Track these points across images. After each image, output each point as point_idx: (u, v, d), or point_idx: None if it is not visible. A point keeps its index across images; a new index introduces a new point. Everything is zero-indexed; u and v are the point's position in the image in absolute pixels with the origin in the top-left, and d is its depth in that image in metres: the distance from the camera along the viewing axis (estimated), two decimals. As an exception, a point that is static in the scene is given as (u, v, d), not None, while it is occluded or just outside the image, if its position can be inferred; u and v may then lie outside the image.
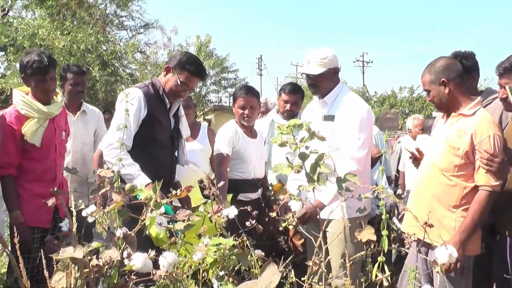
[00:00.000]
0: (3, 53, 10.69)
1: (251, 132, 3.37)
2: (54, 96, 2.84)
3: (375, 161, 3.54)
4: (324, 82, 2.85)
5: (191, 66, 2.76)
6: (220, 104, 24.75)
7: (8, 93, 9.38)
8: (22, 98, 2.72)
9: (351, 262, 2.05)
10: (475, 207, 2.23)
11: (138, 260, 1.65)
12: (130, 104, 2.61)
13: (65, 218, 2.81)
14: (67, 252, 1.04)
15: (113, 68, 11.16)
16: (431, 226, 1.65)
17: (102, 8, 13.17)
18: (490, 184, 2.19)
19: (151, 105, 2.69)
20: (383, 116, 20.87)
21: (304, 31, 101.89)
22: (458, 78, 2.35)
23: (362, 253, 2.11)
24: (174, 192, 1.65)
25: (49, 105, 2.79)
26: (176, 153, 2.95)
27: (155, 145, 2.74)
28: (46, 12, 10.37)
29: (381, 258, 1.82)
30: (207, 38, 21.72)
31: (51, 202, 1.99)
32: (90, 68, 10.39)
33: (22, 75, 2.74)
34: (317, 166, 2.01)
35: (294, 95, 3.69)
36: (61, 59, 9.44)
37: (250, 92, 3.31)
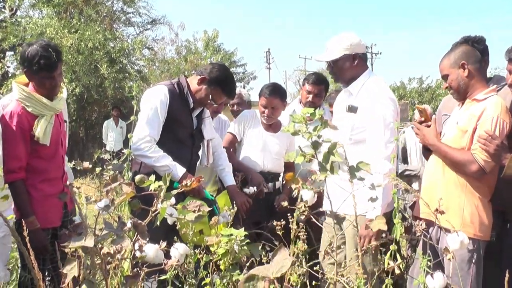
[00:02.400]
0: (12, 52, 10.76)
1: (270, 126, 3.36)
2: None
3: None
4: (343, 68, 2.70)
5: (227, 87, 2.85)
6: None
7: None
8: (25, 93, 2.53)
9: (363, 252, 2.04)
10: (457, 154, 2.28)
11: (150, 251, 1.66)
12: (158, 99, 2.69)
13: (73, 212, 2.85)
14: (78, 241, 1.04)
15: (121, 65, 11.18)
16: (442, 212, 1.63)
17: (109, 5, 13.22)
18: (483, 158, 2.20)
19: (174, 103, 2.74)
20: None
21: (312, 23, 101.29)
22: (477, 64, 2.37)
23: (375, 243, 2.11)
24: (184, 182, 1.64)
25: (55, 100, 2.62)
26: (198, 153, 2.99)
27: (175, 143, 2.77)
28: (53, 10, 10.41)
29: (393, 247, 1.81)
30: (214, 33, 21.70)
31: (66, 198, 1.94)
32: (99, 66, 10.42)
33: (26, 70, 2.52)
34: (330, 155, 1.99)
35: (318, 86, 3.57)
36: (69, 57, 9.49)
37: (274, 93, 3.24)
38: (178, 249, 1.80)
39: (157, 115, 2.69)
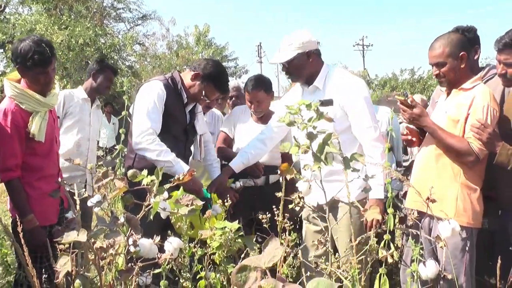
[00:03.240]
0: (2, 50, 10.66)
1: (261, 118, 3.33)
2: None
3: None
4: (299, 68, 2.70)
5: (220, 83, 2.84)
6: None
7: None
8: (17, 90, 2.49)
9: (357, 242, 2.05)
10: (454, 141, 2.28)
11: (144, 246, 1.66)
12: (155, 93, 2.67)
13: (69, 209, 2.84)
14: (71, 236, 1.04)
15: (112, 61, 11.11)
16: (433, 201, 1.64)
17: (99, 1, 13.11)
18: (477, 146, 2.23)
19: (169, 98, 2.73)
20: (384, 99, 20.66)
21: (303, 16, 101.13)
22: (469, 53, 2.40)
23: (370, 233, 2.11)
24: (176, 176, 1.65)
25: (48, 96, 2.59)
26: (191, 148, 3.00)
27: (169, 138, 2.74)
28: (42, 7, 10.32)
29: (387, 236, 1.82)
30: (205, 28, 21.60)
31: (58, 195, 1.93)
32: (90, 62, 10.34)
33: (18, 66, 2.48)
34: (324, 146, 1.99)
35: None
36: (60, 53, 9.43)
37: (256, 87, 3.20)
38: (172, 243, 1.80)
39: (157, 108, 2.67)
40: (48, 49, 2.49)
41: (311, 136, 1.97)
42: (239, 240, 2.07)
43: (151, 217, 1.62)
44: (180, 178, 1.61)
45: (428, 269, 1.75)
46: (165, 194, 1.77)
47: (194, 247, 2.11)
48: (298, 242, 3.10)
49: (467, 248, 2.26)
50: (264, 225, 2.30)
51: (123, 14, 15.15)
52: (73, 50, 9.74)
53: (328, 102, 2.69)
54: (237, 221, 2.15)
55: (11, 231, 2.48)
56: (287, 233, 2.16)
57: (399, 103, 2.42)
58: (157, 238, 1.77)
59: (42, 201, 2.56)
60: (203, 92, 2.82)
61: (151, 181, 1.58)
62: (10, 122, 2.46)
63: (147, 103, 2.66)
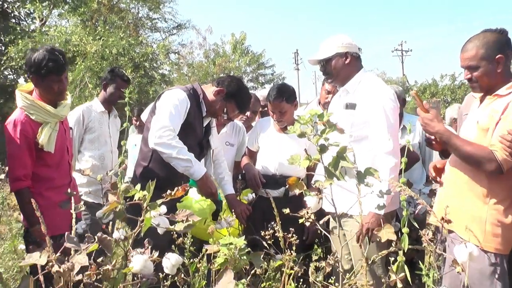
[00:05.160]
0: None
1: (284, 128, 3.22)
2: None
3: (413, 162, 3.27)
4: (336, 67, 2.67)
5: (242, 102, 2.81)
6: (259, 101, 24.87)
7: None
8: (28, 101, 2.51)
9: (371, 262, 1.91)
10: (472, 148, 2.02)
11: (137, 262, 1.58)
12: (179, 100, 2.60)
13: (82, 219, 2.82)
14: (32, 258, 0.97)
15: (144, 71, 11.30)
16: (448, 221, 1.47)
17: (134, 12, 13.40)
18: (502, 156, 1.95)
19: (191, 109, 2.68)
20: (423, 106, 20.11)
21: (340, 23, 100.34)
22: (507, 56, 2.09)
23: (384, 252, 1.96)
24: (168, 192, 1.56)
25: (59, 107, 2.61)
26: (202, 161, 2.92)
27: None
28: (78, 19, 10.63)
29: (400, 258, 1.66)
30: (242, 36, 21.83)
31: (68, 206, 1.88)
32: (122, 71, 10.56)
33: (32, 75, 2.50)
34: (339, 160, 1.86)
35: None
36: (94, 63, 9.67)
37: (278, 97, 3.10)
38: (170, 260, 1.71)
39: (179, 114, 2.60)
40: (61, 57, 2.52)
41: (323, 149, 1.84)
42: (245, 257, 1.96)
43: (141, 234, 1.54)
44: (173, 194, 1.51)
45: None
46: (163, 209, 1.69)
47: (199, 262, 2.03)
48: (308, 259, 2.98)
49: (496, 276, 1.99)
50: (269, 241, 2.20)
51: (158, 24, 15.43)
52: (106, 59, 9.95)
53: (351, 106, 2.64)
54: (243, 237, 2.03)
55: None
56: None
57: (413, 94, 2.24)
58: (156, 254, 1.70)
59: (51, 211, 2.50)
60: (224, 109, 2.78)
61: (144, 195, 1.49)
62: (20, 133, 2.48)
63: (170, 107, 2.57)
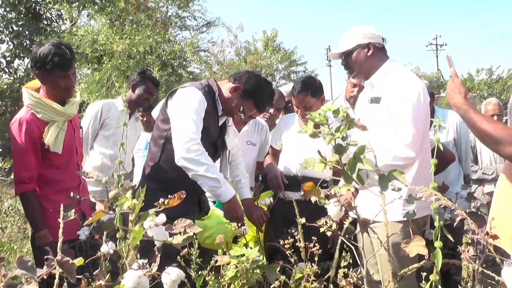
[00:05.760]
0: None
1: None
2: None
3: (448, 163, 2.98)
4: (357, 60, 2.45)
5: (260, 101, 2.59)
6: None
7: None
8: (34, 99, 2.39)
9: (400, 277, 1.68)
10: (492, 126, 1.73)
11: (130, 279, 1.41)
12: (197, 101, 2.39)
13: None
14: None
15: (172, 69, 11.24)
16: (494, 237, 1.23)
17: (163, 10, 13.37)
18: None
19: (207, 108, 2.47)
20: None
21: (373, 17, 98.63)
22: None
23: (416, 265, 1.72)
24: (161, 200, 1.38)
25: (67, 105, 2.48)
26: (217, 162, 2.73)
27: None
28: (106, 18, 10.66)
29: (433, 277, 1.43)
30: (273, 33, 21.70)
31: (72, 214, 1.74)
32: (151, 69, 10.51)
33: (38, 71, 2.38)
34: (357, 162, 1.64)
35: None
36: (120, 61, 9.67)
37: (302, 91, 2.92)
38: (170, 275, 1.54)
39: (200, 118, 2.39)
40: (68, 52, 2.37)
41: (339, 150, 1.62)
42: (257, 270, 1.77)
43: (131, 248, 1.37)
44: (166, 203, 1.33)
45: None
46: (162, 218, 1.51)
47: (208, 274, 1.84)
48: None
49: None
50: (288, 251, 2.00)
51: (187, 22, 15.36)
52: (133, 58, 9.92)
53: (376, 100, 2.42)
54: (257, 248, 1.84)
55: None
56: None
57: (446, 56, 2.00)
58: (155, 268, 1.53)
59: (59, 216, 2.40)
60: (241, 107, 2.56)
61: (133, 205, 1.32)
62: (25, 133, 2.35)
63: (191, 109, 2.36)
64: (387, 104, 2.33)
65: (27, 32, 12.72)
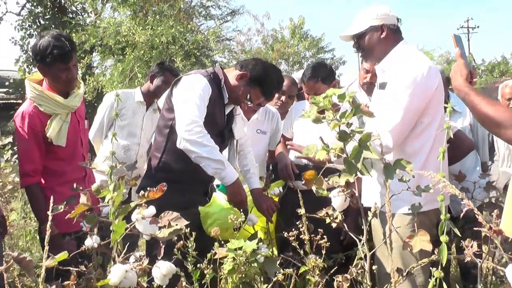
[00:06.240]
0: (96, 53, 11.34)
1: (321, 112, 2.94)
2: (76, 86, 2.50)
3: (467, 151, 2.82)
4: (370, 43, 2.31)
5: (268, 88, 2.49)
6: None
7: (99, 91, 9.86)
8: (36, 91, 2.37)
9: (406, 273, 1.57)
10: (489, 108, 1.65)
11: (115, 274, 1.36)
12: (201, 87, 2.34)
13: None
14: None
15: (196, 58, 11.22)
16: (498, 233, 1.12)
17: (186, 0, 13.34)
18: None
19: (212, 96, 2.41)
20: (491, 86, 18.67)
21: (402, 2, 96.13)
22: None
23: (425, 260, 1.60)
24: (142, 193, 1.32)
25: (70, 97, 2.45)
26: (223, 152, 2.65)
27: None
28: (129, 9, 10.72)
29: (437, 274, 1.32)
30: (300, 20, 21.51)
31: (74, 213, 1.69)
32: (175, 59, 10.54)
33: (38, 64, 2.35)
34: (362, 151, 1.54)
35: None
36: (142, 52, 9.73)
37: (312, 77, 2.81)
38: (161, 269, 1.48)
39: (204, 103, 2.33)
40: (68, 43, 2.33)
41: (343, 137, 1.52)
42: (255, 264, 1.69)
43: (112, 243, 1.31)
44: (146, 195, 1.26)
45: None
46: (151, 210, 1.46)
47: (206, 268, 1.78)
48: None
49: None
50: (293, 243, 1.92)
51: (212, 12, 15.31)
52: (156, 48, 9.95)
53: (382, 86, 2.28)
54: (255, 240, 1.76)
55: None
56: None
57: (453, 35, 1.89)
58: (146, 261, 1.48)
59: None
60: (247, 95, 2.48)
61: (112, 198, 1.26)
62: (27, 126, 2.34)
63: (195, 95, 2.31)
64: (390, 90, 2.19)
65: (53, 26, 13.00)
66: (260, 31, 21.63)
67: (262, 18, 21.34)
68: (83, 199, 1.35)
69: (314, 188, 1.73)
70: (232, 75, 2.50)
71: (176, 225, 1.32)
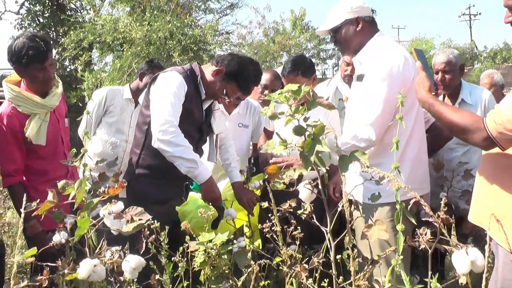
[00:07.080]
0: (95, 50, 11.35)
1: (302, 105, 2.97)
2: (54, 86, 2.54)
3: (443, 142, 2.84)
4: (347, 36, 2.35)
5: (244, 83, 2.51)
6: (324, 76, 24.09)
7: (98, 87, 9.91)
8: (14, 92, 2.41)
9: (371, 262, 1.62)
10: (455, 115, 1.69)
11: (84, 268, 1.41)
12: (176, 85, 2.38)
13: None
14: None
15: (194, 53, 11.20)
16: (446, 221, 1.15)
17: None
18: (494, 127, 1.56)
19: (188, 92, 2.45)
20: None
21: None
22: None
23: (392, 249, 1.64)
24: (102, 189, 1.37)
25: (48, 97, 2.49)
26: (202, 147, 2.70)
27: None
28: (127, 6, 10.70)
29: (394, 261, 1.36)
30: (301, 12, 21.48)
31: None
32: (172, 54, 10.53)
33: (15, 65, 2.38)
34: (315, 144, 1.58)
35: None
36: (139, 48, 9.71)
37: (292, 71, 2.84)
38: (130, 262, 1.54)
39: (179, 102, 2.37)
40: (43, 44, 2.36)
41: (299, 131, 1.56)
42: (225, 256, 1.74)
43: (76, 239, 1.37)
44: (106, 192, 1.31)
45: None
46: (119, 205, 1.51)
47: (179, 261, 1.83)
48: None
49: None
50: (267, 235, 1.96)
51: (211, 5, 15.25)
52: (153, 44, 9.94)
53: (359, 78, 2.31)
54: (226, 233, 1.81)
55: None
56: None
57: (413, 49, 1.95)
58: (117, 255, 1.54)
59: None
60: (224, 90, 2.52)
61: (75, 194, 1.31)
62: (6, 127, 2.39)
63: (170, 92, 2.35)
64: (367, 82, 2.22)
65: (52, 24, 13.03)
66: (261, 23, 21.61)
67: (263, 11, 21.29)
68: (49, 196, 1.40)
69: (277, 183, 1.76)
70: (209, 71, 2.54)
71: (140, 219, 1.37)
